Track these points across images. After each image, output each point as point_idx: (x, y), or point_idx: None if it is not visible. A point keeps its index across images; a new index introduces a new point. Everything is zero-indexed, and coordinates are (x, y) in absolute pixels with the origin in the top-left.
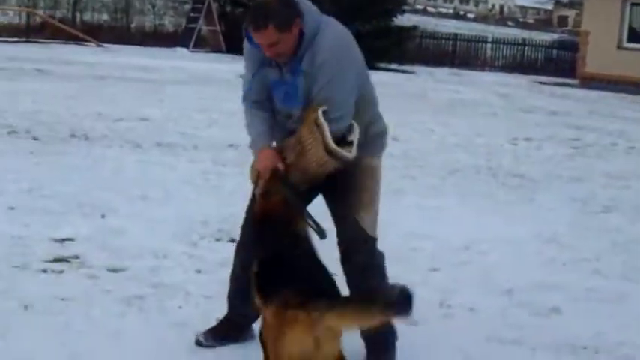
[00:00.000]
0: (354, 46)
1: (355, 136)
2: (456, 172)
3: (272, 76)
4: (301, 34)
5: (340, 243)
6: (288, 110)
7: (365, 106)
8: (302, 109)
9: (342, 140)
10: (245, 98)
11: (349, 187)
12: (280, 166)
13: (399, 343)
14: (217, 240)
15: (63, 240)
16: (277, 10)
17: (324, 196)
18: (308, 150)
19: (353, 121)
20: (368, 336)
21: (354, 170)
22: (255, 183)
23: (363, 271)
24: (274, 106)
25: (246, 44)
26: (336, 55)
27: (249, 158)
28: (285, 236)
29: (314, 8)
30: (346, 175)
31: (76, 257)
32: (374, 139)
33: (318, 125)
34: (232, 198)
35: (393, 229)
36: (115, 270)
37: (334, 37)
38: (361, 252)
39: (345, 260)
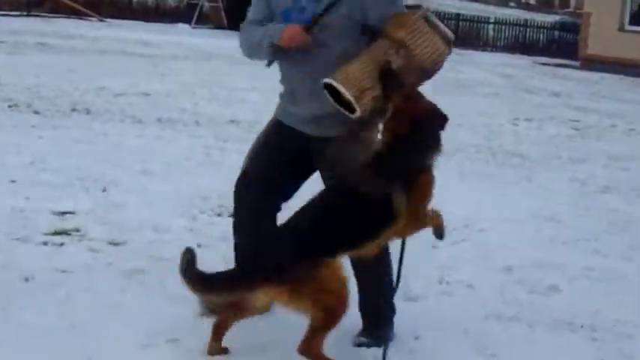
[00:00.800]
0: None
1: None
2: (457, 151)
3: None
4: None
5: None
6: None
7: None
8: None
9: None
10: (246, 23)
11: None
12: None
13: (397, 319)
14: (218, 215)
15: (64, 213)
16: None
17: (323, 171)
18: (419, 48)
19: None
20: (365, 309)
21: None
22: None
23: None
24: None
25: None
26: None
27: (250, 135)
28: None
29: None
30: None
31: (77, 230)
32: None
33: (429, 22)
34: (233, 173)
35: None
36: (115, 243)
37: None
38: None
39: None
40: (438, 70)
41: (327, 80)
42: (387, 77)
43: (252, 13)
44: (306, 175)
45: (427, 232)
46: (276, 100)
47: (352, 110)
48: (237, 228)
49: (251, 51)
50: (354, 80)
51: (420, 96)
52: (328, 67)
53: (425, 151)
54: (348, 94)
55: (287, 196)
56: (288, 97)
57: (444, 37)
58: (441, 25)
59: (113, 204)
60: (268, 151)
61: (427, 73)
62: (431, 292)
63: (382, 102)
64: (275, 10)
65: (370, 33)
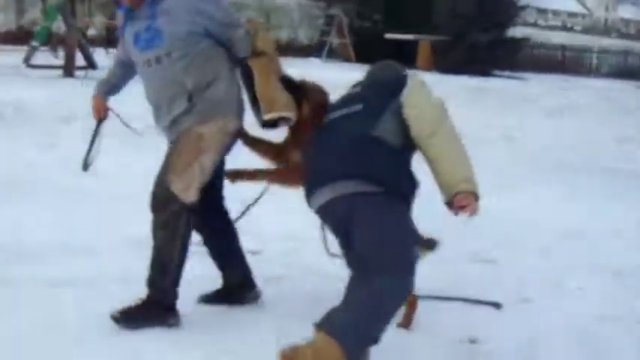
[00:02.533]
0: None
1: None
2: (566, 168)
3: (130, 31)
4: None
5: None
6: (152, 54)
7: (211, 56)
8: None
9: None
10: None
11: (169, 151)
12: None
13: (512, 318)
14: None
15: None
16: None
17: None
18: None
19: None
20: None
21: (179, 135)
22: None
23: (160, 229)
24: (136, 61)
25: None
26: None
27: None
28: None
29: None
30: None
31: None
32: (210, 104)
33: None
34: None
35: (511, 217)
36: (255, 253)
37: None
38: (164, 212)
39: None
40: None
41: (271, 115)
42: (292, 85)
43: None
44: None
45: (539, 241)
46: None
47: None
48: None
49: None
50: (284, 102)
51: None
52: (172, 83)
53: None
54: (292, 116)
55: None
56: (153, 115)
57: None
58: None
59: (253, 215)
60: None
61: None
62: (545, 295)
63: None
64: (126, 43)
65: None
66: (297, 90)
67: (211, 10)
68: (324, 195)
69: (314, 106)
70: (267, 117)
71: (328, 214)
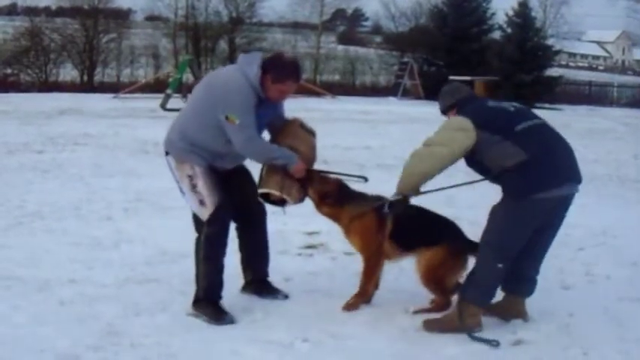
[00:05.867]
0: None
1: None
2: (595, 180)
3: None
4: None
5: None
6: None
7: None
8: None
9: None
10: (254, 133)
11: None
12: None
13: (555, 302)
14: None
15: (311, 233)
16: None
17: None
18: (302, 147)
19: None
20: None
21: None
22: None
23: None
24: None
25: (251, 97)
26: None
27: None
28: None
29: None
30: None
31: (321, 245)
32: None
33: (303, 127)
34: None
35: None
36: (350, 254)
37: None
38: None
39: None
40: (316, 155)
41: (262, 190)
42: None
43: (252, 127)
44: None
45: (574, 239)
46: None
47: (284, 201)
48: None
49: (264, 160)
50: (277, 183)
51: (325, 177)
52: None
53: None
54: (278, 193)
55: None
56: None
57: (312, 133)
58: (308, 126)
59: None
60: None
61: (312, 160)
62: (580, 282)
63: (304, 189)
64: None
65: None
66: (304, 178)
67: None
68: (570, 189)
69: (318, 192)
70: (259, 190)
71: (560, 206)
